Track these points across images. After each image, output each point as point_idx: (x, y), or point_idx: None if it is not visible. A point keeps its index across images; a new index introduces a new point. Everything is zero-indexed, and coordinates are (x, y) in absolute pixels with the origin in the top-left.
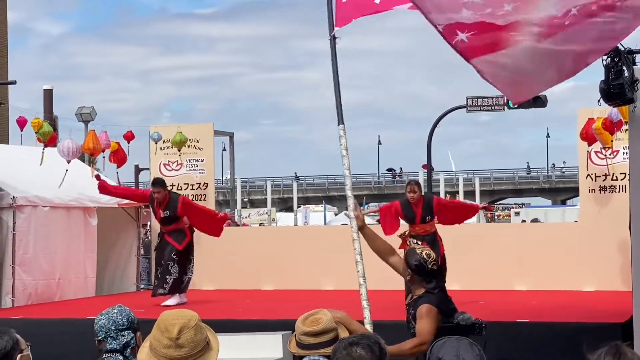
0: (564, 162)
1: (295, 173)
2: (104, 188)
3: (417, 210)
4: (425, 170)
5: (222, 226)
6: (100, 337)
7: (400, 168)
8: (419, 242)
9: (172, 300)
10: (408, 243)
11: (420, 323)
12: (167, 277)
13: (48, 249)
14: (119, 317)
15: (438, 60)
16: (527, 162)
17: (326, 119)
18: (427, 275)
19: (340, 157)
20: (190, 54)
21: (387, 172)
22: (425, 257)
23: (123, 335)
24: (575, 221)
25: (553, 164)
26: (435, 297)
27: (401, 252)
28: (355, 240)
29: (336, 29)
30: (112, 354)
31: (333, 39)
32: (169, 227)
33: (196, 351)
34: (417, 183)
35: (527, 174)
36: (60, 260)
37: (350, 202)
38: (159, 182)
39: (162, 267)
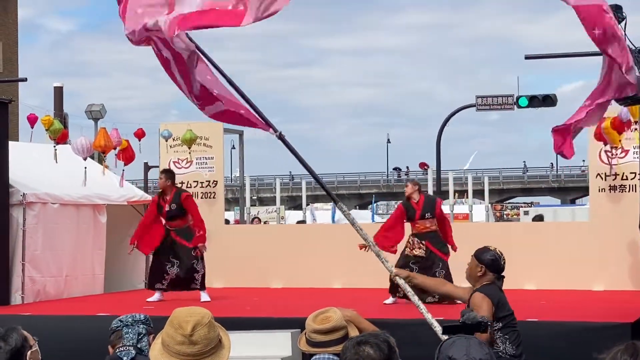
0: (583, 160)
1: (290, 172)
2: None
3: (417, 207)
4: (425, 169)
5: (201, 241)
6: (115, 326)
7: (407, 167)
8: (422, 242)
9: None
10: (410, 241)
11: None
12: (195, 274)
13: (57, 246)
14: (137, 315)
15: (447, 59)
16: (524, 162)
17: (335, 117)
18: (500, 270)
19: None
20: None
21: (393, 170)
22: (499, 252)
23: (139, 326)
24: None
25: (551, 163)
26: (494, 290)
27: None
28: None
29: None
30: (126, 349)
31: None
32: (175, 222)
33: (209, 348)
34: (412, 181)
35: (524, 173)
36: (69, 257)
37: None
38: (168, 171)
39: (183, 265)
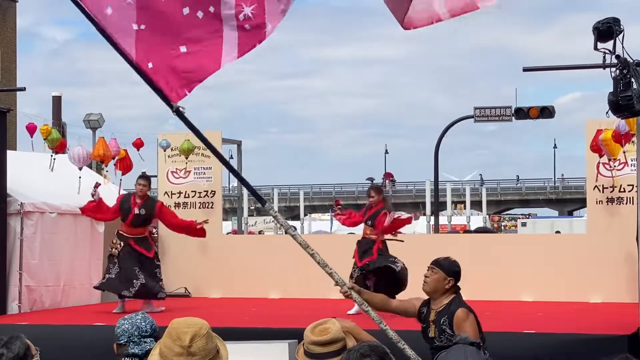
0: (562, 174)
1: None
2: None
3: (368, 212)
4: (390, 180)
5: (204, 232)
6: (122, 342)
7: (392, 175)
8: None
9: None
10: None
11: (465, 328)
12: (135, 281)
13: (55, 255)
14: (143, 324)
15: (446, 70)
16: (517, 175)
17: (333, 127)
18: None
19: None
20: None
21: (367, 180)
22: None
23: (146, 342)
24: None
25: (562, 174)
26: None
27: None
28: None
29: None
30: (132, 359)
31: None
32: (137, 230)
33: (207, 359)
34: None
35: (516, 184)
36: (67, 267)
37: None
38: (147, 177)
39: (130, 272)
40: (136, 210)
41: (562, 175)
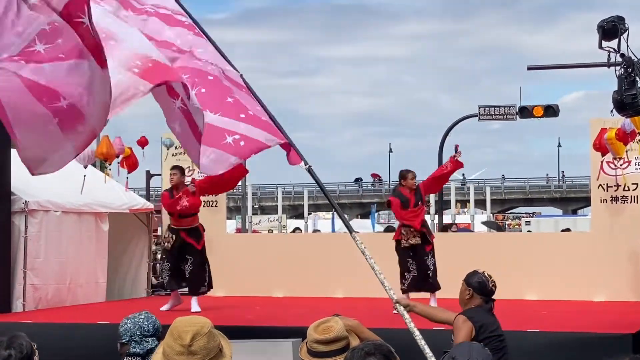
0: (547, 173)
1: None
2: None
3: (411, 196)
4: (377, 179)
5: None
6: (124, 341)
7: (378, 175)
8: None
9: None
10: (403, 232)
11: (456, 333)
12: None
13: (59, 253)
14: (145, 323)
15: (449, 68)
16: (502, 175)
17: (337, 126)
18: (488, 293)
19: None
20: None
21: (354, 182)
22: (487, 275)
23: (147, 342)
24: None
25: (563, 171)
26: (481, 313)
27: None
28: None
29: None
30: (134, 358)
31: None
32: (186, 220)
33: (209, 358)
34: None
35: (501, 183)
36: (71, 265)
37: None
38: (177, 167)
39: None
40: (184, 202)
41: (563, 172)
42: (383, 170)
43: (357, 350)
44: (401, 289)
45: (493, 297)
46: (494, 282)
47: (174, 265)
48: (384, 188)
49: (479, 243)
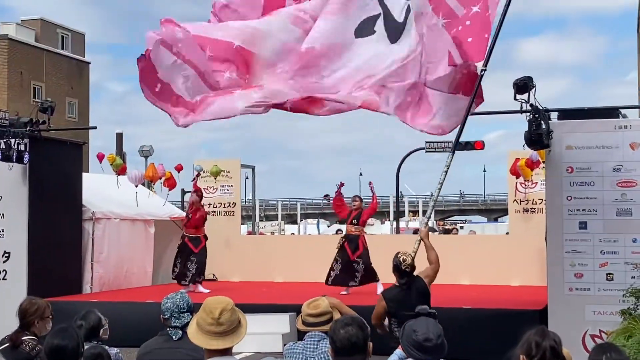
0: (461, 190)
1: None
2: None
3: (353, 214)
4: (327, 201)
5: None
6: (166, 316)
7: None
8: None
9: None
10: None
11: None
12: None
13: (117, 250)
14: (181, 302)
15: None
16: (460, 190)
17: (319, 155)
18: (402, 274)
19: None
20: None
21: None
22: (401, 259)
23: (184, 316)
24: (507, 233)
25: (460, 191)
26: (394, 291)
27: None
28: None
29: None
30: (174, 329)
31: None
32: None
33: (232, 327)
34: (358, 196)
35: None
36: (126, 259)
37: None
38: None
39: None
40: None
41: (461, 191)
42: (354, 190)
43: (339, 322)
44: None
45: (412, 274)
46: (408, 263)
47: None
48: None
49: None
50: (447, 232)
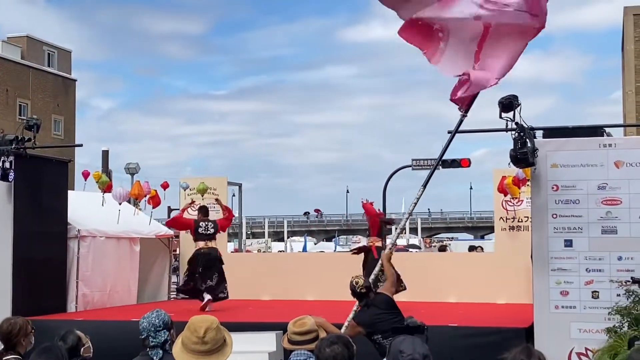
0: (441, 208)
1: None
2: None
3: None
4: (318, 213)
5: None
6: (143, 336)
7: (320, 210)
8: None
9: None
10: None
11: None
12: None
13: (102, 268)
14: (156, 320)
15: (390, 131)
16: (428, 208)
17: (308, 173)
18: (359, 297)
19: None
20: (207, 124)
21: (314, 213)
22: (354, 283)
23: (160, 335)
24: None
25: (427, 209)
26: (363, 315)
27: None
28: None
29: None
30: (154, 349)
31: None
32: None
33: (217, 346)
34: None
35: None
36: (111, 277)
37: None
38: (203, 207)
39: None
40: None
41: (441, 209)
42: (342, 207)
43: (324, 340)
44: None
45: (369, 293)
46: (362, 285)
47: None
48: (326, 219)
49: (419, 261)
50: (443, 249)
